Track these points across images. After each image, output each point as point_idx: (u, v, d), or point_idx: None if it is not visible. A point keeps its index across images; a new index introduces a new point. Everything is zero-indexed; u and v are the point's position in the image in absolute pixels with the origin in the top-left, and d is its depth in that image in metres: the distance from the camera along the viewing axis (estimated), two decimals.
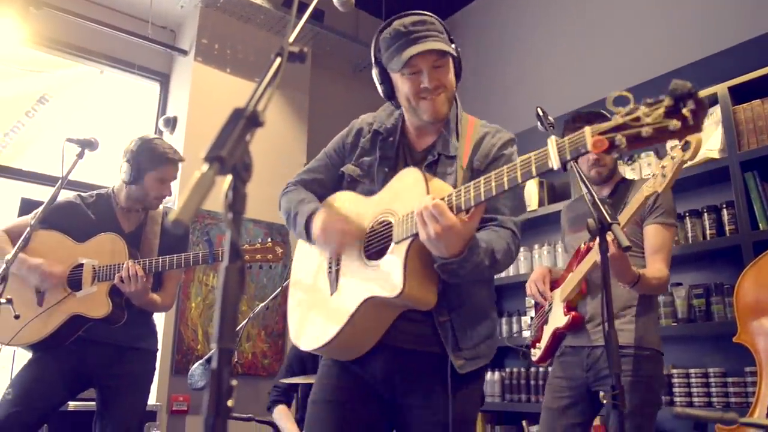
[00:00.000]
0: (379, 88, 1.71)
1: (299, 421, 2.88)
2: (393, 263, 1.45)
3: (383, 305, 1.50)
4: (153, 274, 2.46)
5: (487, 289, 1.68)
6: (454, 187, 1.50)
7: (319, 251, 1.71)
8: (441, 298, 1.52)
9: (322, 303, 1.63)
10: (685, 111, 1.00)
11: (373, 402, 1.61)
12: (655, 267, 2.18)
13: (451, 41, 1.64)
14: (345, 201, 1.71)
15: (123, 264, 2.38)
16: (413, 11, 1.62)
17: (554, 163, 1.18)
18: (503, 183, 1.28)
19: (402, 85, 1.63)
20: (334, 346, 1.56)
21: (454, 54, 1.61)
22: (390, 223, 1.52)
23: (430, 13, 1.63)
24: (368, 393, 1.61)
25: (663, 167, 1.95)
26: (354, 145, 1.77)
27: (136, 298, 2.41)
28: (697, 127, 1.01)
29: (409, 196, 1.48)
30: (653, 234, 2.24)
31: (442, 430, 1.49)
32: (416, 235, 1.41)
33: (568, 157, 1.16)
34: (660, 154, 3.18)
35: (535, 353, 2.49)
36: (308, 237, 1.66)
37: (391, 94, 1.70)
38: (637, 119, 1.05)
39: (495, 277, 4.13)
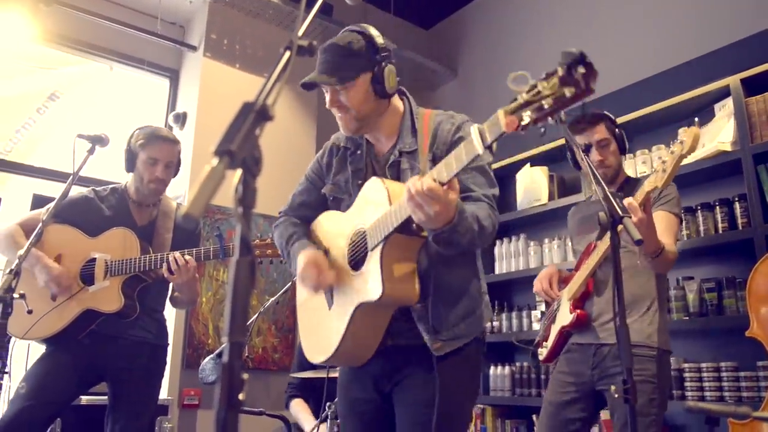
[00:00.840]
0: None
1: (315, 413, 2.92)
2: (371, 269, 1.55)
3: (373, 309, 1.59)
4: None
5: (465, 268, 1.72)
6: None
7: None
8: None
9: (324, 319, 1.74)
10: (577, 76, 1.03)
11: (378, 403, 1.71)
12: (667, 243, 2.15)
13: (381, 57, 1.64)
14: (327, 221, 1.85)
15: (136, 259, 2.40)
16: (349, 28, 1.68)
17: (478, 148, 1.27)
18: (444, 174, 1.36)
19: None
20: (340, 356, 1.67)
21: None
22: (365, 232, 1.60)
23: (356, 32, 1.66)
24: (374, 395, 1.71)
25: (663, 162, 1.95)
26: (329, 165, 1.87)
27: (187, 289, 2.49)
28: (588, 89, 1.04)
29: (374, 205, 1.59)
30: (661, 218, 2.21)
31: (429, 413, 1.54)
32: (386, 238, 1.50)
33: (489, 140, 1.25)
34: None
35: (542, 353, 2.49)
36: None
37: None
38: (538, 93, 1.10)
39: (504, 271, 4.14)
